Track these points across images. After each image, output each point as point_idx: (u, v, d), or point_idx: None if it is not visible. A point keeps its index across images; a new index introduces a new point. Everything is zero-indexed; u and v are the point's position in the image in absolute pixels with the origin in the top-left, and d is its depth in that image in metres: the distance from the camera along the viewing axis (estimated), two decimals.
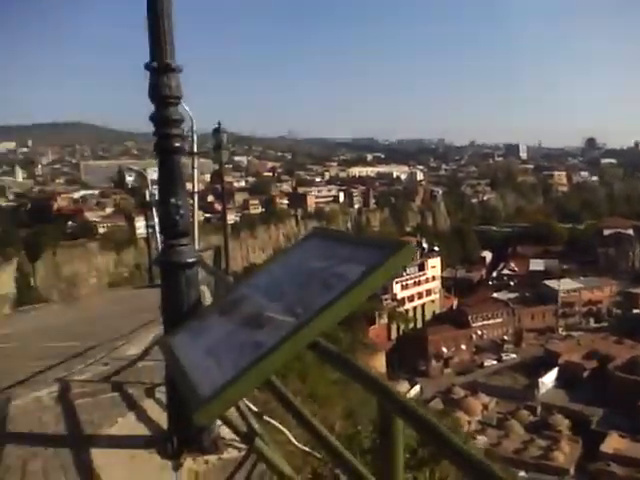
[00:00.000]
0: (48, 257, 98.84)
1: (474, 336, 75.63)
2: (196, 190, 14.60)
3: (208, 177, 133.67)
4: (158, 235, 32.60)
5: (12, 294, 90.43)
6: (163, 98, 2.90)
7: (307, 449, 3.21)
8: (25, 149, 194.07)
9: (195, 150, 13.63)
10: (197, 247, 14.71)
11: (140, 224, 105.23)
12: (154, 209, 37.78)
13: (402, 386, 54.03)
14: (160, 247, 3.12)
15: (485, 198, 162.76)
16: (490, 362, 72.14)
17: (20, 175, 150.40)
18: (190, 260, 3.02)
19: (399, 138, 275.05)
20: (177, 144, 2.98)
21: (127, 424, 3.55)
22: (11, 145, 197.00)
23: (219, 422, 3.25)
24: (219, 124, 14.74)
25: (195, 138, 13.58)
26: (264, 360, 1.80)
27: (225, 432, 3.35)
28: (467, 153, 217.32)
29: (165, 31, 2.84)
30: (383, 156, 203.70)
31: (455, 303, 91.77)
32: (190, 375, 1.99)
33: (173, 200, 2.97)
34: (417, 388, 59.35)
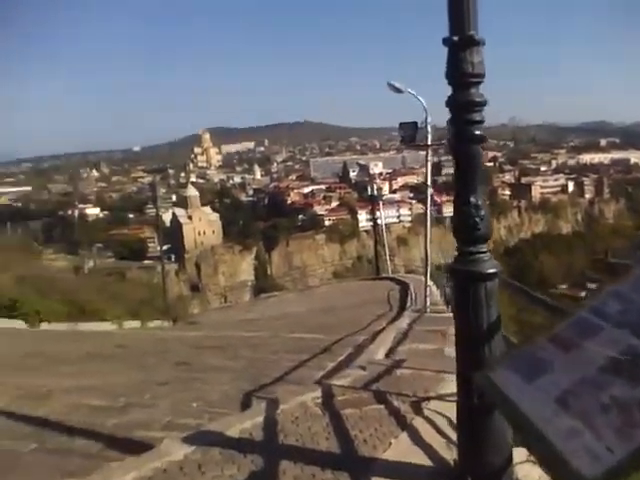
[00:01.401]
0: (282, 247, 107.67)
1: None
2: (429, 184, 14.20)
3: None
4: (384, 227, 33.12)
5: (251, 281, 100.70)
6: (464, 77, 2.45)
7: None
8: (262, 148, 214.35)
9: (429, 142, 13.19)
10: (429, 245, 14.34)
11: (362, 217, 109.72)
12: (380, 203, 38.56)
13: None
14: (456, 251, 2.67)
15: None
16: None
17: (258, 172, 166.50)
18: (491, 271, 2.54)
19: (637, 120, 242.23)
20: (478, 132, 2.50)
21: (402, 447, 3.21)
22: (250, 145, 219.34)
23: (518, 459, 2.74)
24: None
25: (429, 129, 13.13)
26: None
27: (523, 474, 2.82)
28: None
29: None
30: (618, 141, 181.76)
31: None
32: (544, 433, 1.51)
33: (473, 199, 2.50)
34: None
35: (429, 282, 14.61)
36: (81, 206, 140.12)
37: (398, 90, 12.08)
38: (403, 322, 10.89)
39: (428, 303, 13.62)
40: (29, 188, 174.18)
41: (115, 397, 4.39)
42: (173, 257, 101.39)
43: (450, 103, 2.54)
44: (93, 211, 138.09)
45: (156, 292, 24.38)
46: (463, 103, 2.49)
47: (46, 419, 3.75)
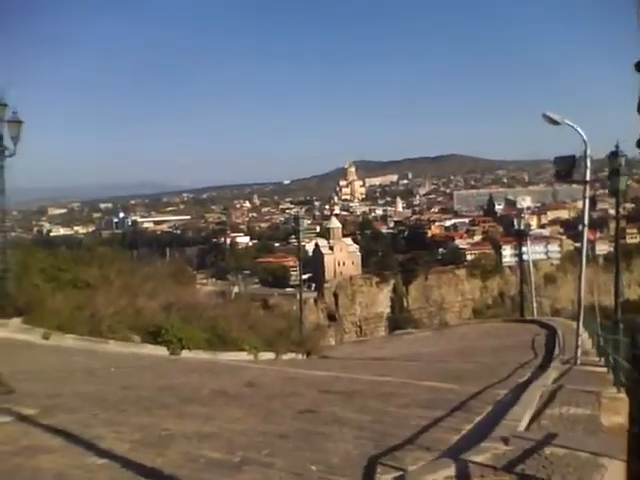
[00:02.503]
0: (420, 281, 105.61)
1: None
2: (586, 223, 12.89)
3: (580, 204, 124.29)
4: (531, 264, 31.26)
5: (387, 313, 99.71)
6: None
7: None
8: (405, 181, 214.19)
9: (588, 177, 11.97)
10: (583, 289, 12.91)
11: (507, 252, 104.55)
12: (528, 238, 36.48)
13: None
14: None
15: None
16: None
17: (400, 205, 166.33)
18: None
19: None
20: None
21: None
22: (394, 178, 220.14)
23: None
24: (617, 147, 12.65)
25: (589, 164, 11.92)
26: None
27: None
28: None
29: None
30: None
31: None
32: None
33: None
34: None
35: (580, 329, 13.16)
36: (233, 235, 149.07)
37: (555, 122, 11.12)
38: (550, 376, 9.80)
39: (579, 354, 12.23)
40: (188, 217, 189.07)
41: (233, 450, 4.18)
42: (313, 286, 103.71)
43: None
44: (243, 239, 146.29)
45: (294, 322, 24.67)
46: None
47: (161, 471, 3.62)
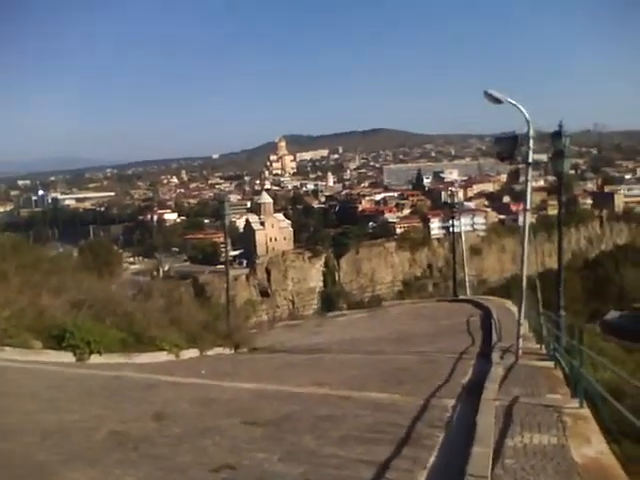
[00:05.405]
0: (351, 255, 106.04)
1: None
2: (529, 207, 12.17)
3: (504, 177, 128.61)
4: (462, 236, 31.22)
5: (319, 287, 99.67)
6: None
7: None
8: (336, 155, 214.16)
9: (531, 159, 11.21)
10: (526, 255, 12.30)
11: (435, 225, 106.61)
12: (458, 212, 36.51)
13: None
14: None
15: None
16: None
17: (331, 179, 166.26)
18: None
19: None
20: None
21: None
22: (324, 152, 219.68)
23: None
24: (560, 126, 11.94)
25: (532, 144, 11.15)
26: None
27: None
28: None
29: None
30: None
31: None
32: None
33: None
34: None
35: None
36: (160, 211, 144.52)
37: (497, 100, 10.30)
38: (497, 376, 9.07)
39: (520, 344, 11.59)
40: (112, 193, 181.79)
41: None
42: (245, 262, 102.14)
43: None
44: (171, 216, 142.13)
45: (222, 310, 23.25)
46: None
47: None
